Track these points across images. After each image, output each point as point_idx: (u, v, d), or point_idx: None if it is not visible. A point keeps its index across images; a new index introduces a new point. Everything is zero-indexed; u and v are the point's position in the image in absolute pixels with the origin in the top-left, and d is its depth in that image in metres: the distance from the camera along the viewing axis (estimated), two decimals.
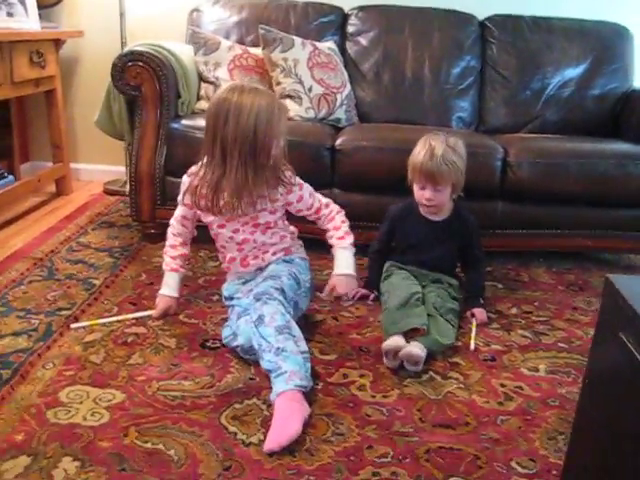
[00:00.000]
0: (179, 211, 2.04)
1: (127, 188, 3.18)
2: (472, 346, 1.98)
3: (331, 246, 2.05)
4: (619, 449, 0.97)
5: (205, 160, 1.87)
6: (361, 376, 1.78)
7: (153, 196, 2.61)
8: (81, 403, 1.59)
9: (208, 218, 1.97)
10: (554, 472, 1.43)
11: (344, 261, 2.01)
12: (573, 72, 3.10)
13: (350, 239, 2.03)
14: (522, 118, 3.06)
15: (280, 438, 1.46)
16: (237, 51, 2.87)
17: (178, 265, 2.06)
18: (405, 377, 1.79)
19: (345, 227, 2.04)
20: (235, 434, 1.51)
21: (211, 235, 2.04)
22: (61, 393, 1.63)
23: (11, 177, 3.01)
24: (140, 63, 2.49)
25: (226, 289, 2.05)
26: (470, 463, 1.45)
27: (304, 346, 1.72)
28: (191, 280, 2.32)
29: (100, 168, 3.61)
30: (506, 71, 3.11)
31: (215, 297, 2.20)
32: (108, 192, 3.37)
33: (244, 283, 2.01)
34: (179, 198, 2.01)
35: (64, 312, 2.05)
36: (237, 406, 1.61)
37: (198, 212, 1.97)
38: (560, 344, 2.03)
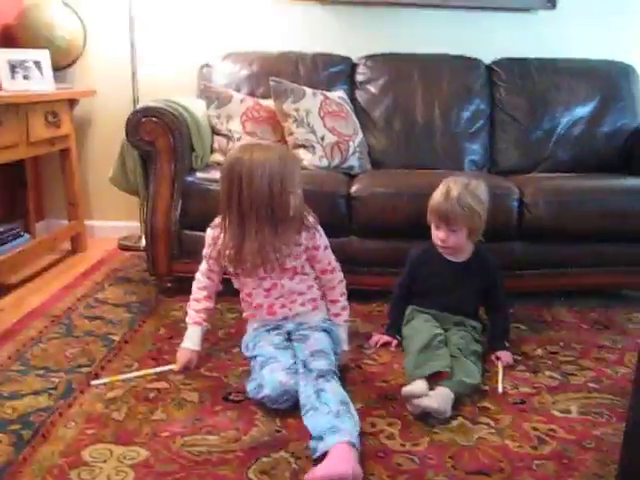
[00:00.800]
0: (205, 265, 2.04)
1: (142, 243, 3.21)
2: (500, 389, 1.93)
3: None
4: None
5: (224, 221, 1.89)
6: (389, 424, 1.74)
7: (169, 250, 2.61)
8: (105, 462, 1.55)
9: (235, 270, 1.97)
10: None
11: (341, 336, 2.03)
12: (582, 111, 3.12)
13: (346, 315, 2.07)
14: (534, 158, 3.07)
15: (329, 470, 1.44)
16: (249, 103, 2.90)
17: (201, 319, 2.05)
18: (434, 424, 1.74)
19: (343, 301, 2.06)
20: None
21: (234, 285, 2.04)
22: (84, 452, 1.59)
23: (27, 236, 3.03)
24: (154, 118, 2.52)
25: (249, 338, 2.02)
26: None
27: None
28: (210, 333, 2.29)
29: (114, 224, 3.62)
30: (516, 113, 3.14)
31: (235, 349, 2.17)
32: (123, 248, 3.37)
33: (268, 331, 1.99)
34: (204, 252, 2.02)
35: (84, 369, 2.02)
36: (264, 459, 1.57)
37: (224, 264, 1.97)
38: (590, 384, 1.99)
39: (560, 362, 2.14)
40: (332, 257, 2.03)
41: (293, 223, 1.88)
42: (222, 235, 1.90)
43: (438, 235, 2.07)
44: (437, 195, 2.05)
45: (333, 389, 1.71)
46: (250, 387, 1.85)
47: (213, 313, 2.16)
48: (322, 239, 1.99)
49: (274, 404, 1.77)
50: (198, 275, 2.07)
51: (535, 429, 1.73)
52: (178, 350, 2.05)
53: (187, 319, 2.07)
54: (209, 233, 1.99)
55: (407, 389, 1.80)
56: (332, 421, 1.57)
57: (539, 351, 2.22)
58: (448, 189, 2.03)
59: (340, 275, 2.06)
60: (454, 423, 1.75)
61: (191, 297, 2.07)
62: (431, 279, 2.17)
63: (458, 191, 2.01)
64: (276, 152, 1.86)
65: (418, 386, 1.81)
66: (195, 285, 2.07)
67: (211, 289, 2.06)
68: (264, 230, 1.82)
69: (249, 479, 1.50)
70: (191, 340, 2.04)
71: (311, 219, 1.95)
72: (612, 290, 2.80)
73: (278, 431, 1.70)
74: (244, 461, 1.56)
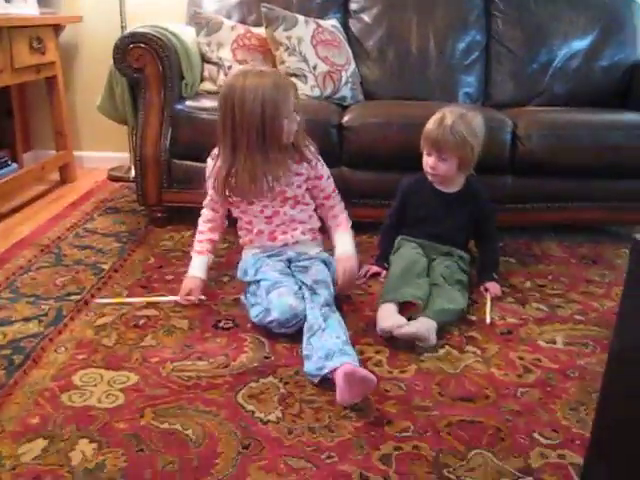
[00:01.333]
0: (208, 196, 2.04)
1: (131, 174, 3.18)
2: (488, 319, 1.95)
3: (328, 230, 2.10)
4: None
5: (219, 148, 1.92)
6: (377, 352, 1.76)
7: (159, 179, 2.58)
8: (95, 386, 1.57)
9: (235, 198, 1.98)
10: (577, 442, 1.41)
11: (348, 243, 2.04)
12: (580, 44, 3.04)
13: (349, 225, 2.09)
14: (529, 91, 3.02)
15: (353, 391, 1.49)
16: (240, 31, 2.83)
17: (205, 249, 2.04)
18: (421, 352, 1.76)
19: (345, 216, 2.09)
20: (253, 412, 1.49)
21: (233, 214, 2.06)
22: (74, 376, 1.61)
23: (14, 165, 2.99)
24: (142, 45, 2.46)
25: (249, 264, 1.98)
26: (492, 435, 1.43)
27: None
28: None
29: (103, 155, 3.58)
30: (512, 44, 3.06)
31: (226, 279, 2.18)
32: (112, 178, 3.34)
33: (269, 257, 1.98)
34: (207, 183, 2.01)
35: (73, 297, 2.03)
36: (253, 385, 1.59)
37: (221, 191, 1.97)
38: (576, 316, 2.01)
39: (548, 295, 2.15)
40: (334, 186, 2.08)
41: (289, 150, 1.91)
42: (219, 161, 1.92)
43: (428, 162, 2.06)
44: (431, 122, 2.03)
45: (339, 319, 1.76)
46: (254, 312, 1.84)
47: (217, 245, 2.14)
48: (324, 168, 2.02)
49: (282, 328, 1.78)
50: (203, 210, 2.07)
51: (521, 358, 1.75)
52: (186, 278, 2.03)
53: (192, 251, 2.07)
54: (209, 163, 1.99)
55: (383, 317, 1.83)
56: (341, 345, 1.61)
57: (527, 284, 2.23)
58: (443, 116, 2.01)
59: (341, 203, 2.11)
60: (441, 352, 1.77)
61: (197, 231, 2.08)
62: (421, 209, 2.16)
63: (452, 119, 1.99)
64: (270, 77, 1.84)
65: (391, 315, 1.83)
66: (200, 220, 2.07)
67: (216, 221, 2.06)
68: (254, 155, 1.83)
69: (238, 403, 1.52)
70: (194, 267, 2.03)
71: (312, 149, 1.97)
72: (602, 226, 2.81)
73: (267, 357, 1.72)
74: (233, 386, 1.58)
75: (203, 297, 1.99)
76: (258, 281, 1.90)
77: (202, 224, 2.06)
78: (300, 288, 1.86)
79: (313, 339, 1.66)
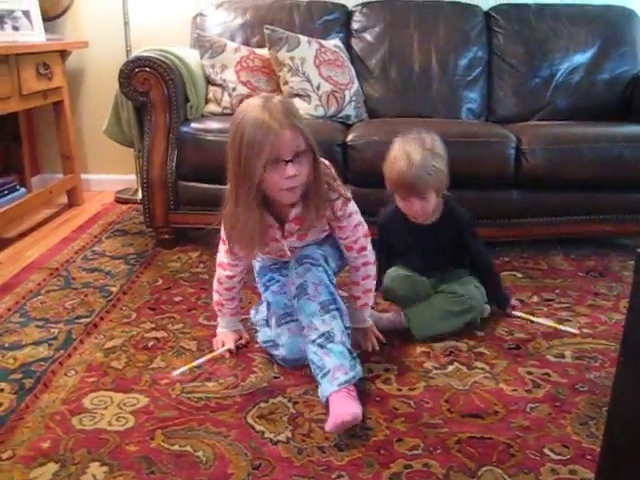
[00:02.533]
0: (223, 247, 1.80)
1: (138, 196, 3.20)
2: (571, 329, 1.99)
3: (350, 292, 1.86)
4: None
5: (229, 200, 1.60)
6: (386, 370, 1.76)
7: (166, 201, 2.60)
8: (105, 409, 1.58)
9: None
10: (588, 457, 1.41)
11: (360, 318, 1.85)
12: (581, 58, 3.07)
13: (368, 300, 1.83)
14: (532, 106, 3.03)
15: (341, 417, 1.44)
16: (243, 53, 2.86)
17: (237, 311, 1.91)
18: (430, 369, 1.77)
19: (367, 285, 1.81)
20: (262, 433, 1.49)
21: None
22: (85, 399, 1.62)
23: (23, 190, 3.02)
24: (147, 69, 2.49)
25: (256, 271, 1.88)
26: (502, 452, 1.43)
27: (347, 321, 1.66)
28: (208, 283, 2.29)
29: (110, 178, 3.61)
30: (514, 60, 3.09)
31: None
32: (119, 201, 3.37)
33: (278, 269, 1.83)
34: (222, 233, 1.73)
35: (83, 320, 2.04)
36: (263, 405, 1.60)
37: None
38: (585, 330, 2.00)
39: (555, 309, 2.15)
40: (361, 235, 1.74)
41: (298, 206, 1.61)
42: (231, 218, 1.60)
43: (408, 207, 1.89)
44: (397, 165, 1.80)
45: (315, 283, 1.61)
46: (262, 337, 1.84)
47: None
48: (348, 208, 1.67)
49: (285, 364, 1.77)
50: (219, 270, 1.82)
51: (529, 373, 1.75)
52: (218, 334, 1.89)
53: (216, 307, 1.88)
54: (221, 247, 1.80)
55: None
56: (318, 355, 1.58)
57: (534, 298, 2.23)
58: (407, 155, 1.79)
59: (366, 257, 1.77)
60: (450, 368, 1.78)
61: (217, 292, 1.85)
62: (403, 244, 2.04)
63: (420, 155, 1.78)
64: (259, 111, 1.46)
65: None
66: (217, 282, 1.84)
67: (237, 280, 1.82)
68: (252, 209, 1.54)
69: (247, 424, 1.52)
70: (228, 322, 1.89)
71: (339, 188, 1.64)
72: (609, 238, 2.81)
73: (276, 377, 1.72)
74: (243, 406, 1.59)
75: (243, 340, 1.90)
76: (268, 303, 1.84)
77: (224, 292, 1.84)
78: None
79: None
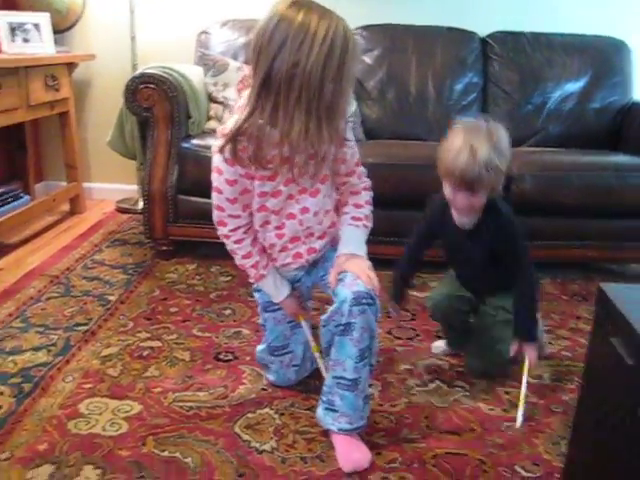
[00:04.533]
0: (219, 205, 1.55)
1: (139, 206, 3.28)
2: (519, 419, 1.69)
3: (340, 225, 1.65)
4: (614, 447, 1.03)
5: (247, 104, 1.39)
6: (369, 386, 1.82)
7: (165, 214, 2.68)
8: (100, 414, 1.65)
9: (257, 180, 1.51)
10: (557, 475, 1.48)
11: (355, 240, 1.60)
12: (574, 86, 3.16)
13: (368, 224, 1.65)
14: (524, 132, 3.12)
15: (352, 463, 1.50)
16: (245, 71, 2.94)
17: (262, 266, 1.63)
18: (412, 386, 1.84)
19: (367, 209, 1.66)
20: (249, 442, 1.57)
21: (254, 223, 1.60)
22: (81, 405, 1.69)
23: (27, 197, 3.09)
24: (152, 85, 2.58)
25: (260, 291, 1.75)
26: (476, 467, 1.51)
27: (375, 359, 1.61)
28: (203, 295, 2.39)
29: (112, 187, 3.69)
30: (508, 86, 3.19)
31: (227, 311, 2.26)
32: (120, 210, 3.45)
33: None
34: (216, 195, 1.53)
35: (81, 327, 2.12)
36: (250, 415, 1.67)
37: (242, 172, 1.48)
38: (564, 352, 2.08)
39: None
40: (358, 157, 1.62)
41: (334, 129, 1.42)
42: (240, 117, 1.40)
43: (458, 199, 1.71)
44: (460, 157, 1.62)
45: (364, 327, 1.47)
46: (259, 355, 1.86)
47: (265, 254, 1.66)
48: (350, 133, 1.58)
49: (274, 385, 1.82)
50: (220, 229, 1.60)
51: (507, 393, 1.83)
52: (282, 306, 1.71)
53: (252, 280, 1.69)
54: (218, 159, 1.48)
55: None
56: (332, 391, 1.55)
57: None
58: (473, 150, 1.61)
59: (368, 181, 1.67)
60: (431, 386, 1.85)
61: (235, 255, 1.64)
62: (445, 242, 1.90)
63: (487, 151, 1.61)
64: (341, 23, 1.34)
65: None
66: (228, 243, 1.62)
67: (243, 227, 1.59)
68: (304, 119, 1.35)
69: (235, 433, 1.60)
70: (276, 288, 1.67)
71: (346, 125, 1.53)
72: (594, 263, 2.89)
73: (264, 389, 1.80)
74: (231, 416, 1.67)
75: (307, 308, 1.80)
76: (265, 327, 1.79)
77: (235, 245, 1.61)
78: (304, 349, 1.78)
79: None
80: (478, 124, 1.69)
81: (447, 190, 1.72)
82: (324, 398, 1.58)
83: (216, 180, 1.51)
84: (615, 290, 1.04)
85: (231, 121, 1.45)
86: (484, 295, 1.92)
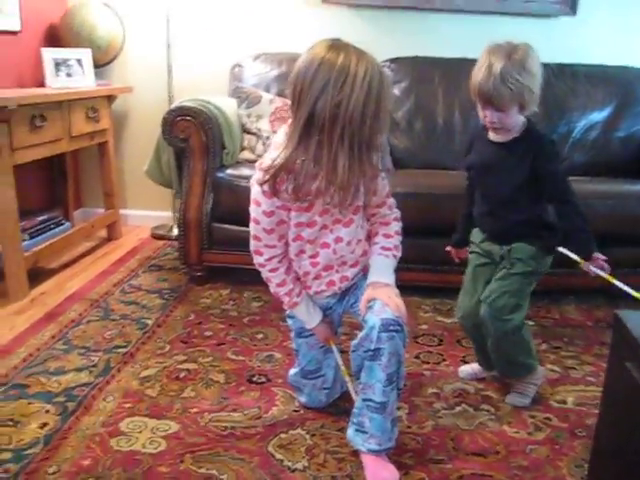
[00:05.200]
0: (257, 234, 1.62)
1: (174, 233, 3.40)
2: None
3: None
4: (633, 470, 1.08)
5: (289, 142, 1.47)
6: (398, 408, 1.88)
7: (200, 241, 2.78)
8: (140, 432, 1.74)
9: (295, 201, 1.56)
10: None
11: (384, 269, 1.67)
12: (598, 116, 3.22)
13: (397, 254, 1.71)
14: None
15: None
16: (277, 103, 3.06)
17: (296, 293, 1.70)
18: (439, 409, 1.90)
19: (396, 240, 1.71)
20: (282, 461, 1.64)
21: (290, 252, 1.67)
22: (122, 423, 1.78)
23: (68, 224, 3.22)
24: (188, 117, 2.69)
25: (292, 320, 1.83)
26: None
27: (402, 383, 1.66)
28: (236, 319, 2.48)
29: (147, 214, 3.81)
30: (533, 116, 3.20)
31: (259, 335, 2.35)
32: (155, 237, 3.57)
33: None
34: (254, 225, 1.61)
35: (121, 349, 2.21)
36: (283, 436, 1.75)
37: (279, 204, 1.56)
38: (588, 378, 2.13)
39: (562, 356, 2.28)
40: (389, 189, 1.70)
41: (371, 162, 1.50)
42: (281, 155, 1.48)
43: (486, 116, 1.76)
44: (479, 74, 1.70)
45: (392, 353, 1.53)
46: (292, 378, 1.92)
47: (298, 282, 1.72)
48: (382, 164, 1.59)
49: (305, 407, 1.90)
50: (256, 258, 1.67)
51: (532, 417, 1.88)
52: (314, 332, 1.78)
53: (286, 307, 1.75)
54: (256, 191, 1.56)
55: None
56: (362, 413, 1.61)
57: (543, 346, 2.35)
58: (489, 63, 1.67)
59: (398, 212, 1.74)
60: (457, 409, 1.91)
61: (270, 283, 1.70)
62: (481, 163, 1.90)
63: (501, 65, 1.65)
64: (374, 62, 1.43)
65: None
66: (264, 273, 1.69)
67: (278, 256, 1.66)
68: (347, 155, 1.43)
69: (268, 452, 1.67)
70: (310, 316, 1.74)
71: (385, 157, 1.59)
72: (619, 290, 2.91)
73: (296, 411, 1.87)
74: (264, 436, 1.74)
75: (338, 334, 1.87)
76: (298, 352, 1.86)
77: (270, 273, 1.67)
78: (335, 372, 1.84)
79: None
80: (503, 44, 1.72)
81: (479, 110, 1.78)
82: (354, 420, 1.64)
83: (254, 211, 1.59)
84: (631, 316, 1.10)
85: (269, 156, 1.53)
86: (504, 239, 1.88)
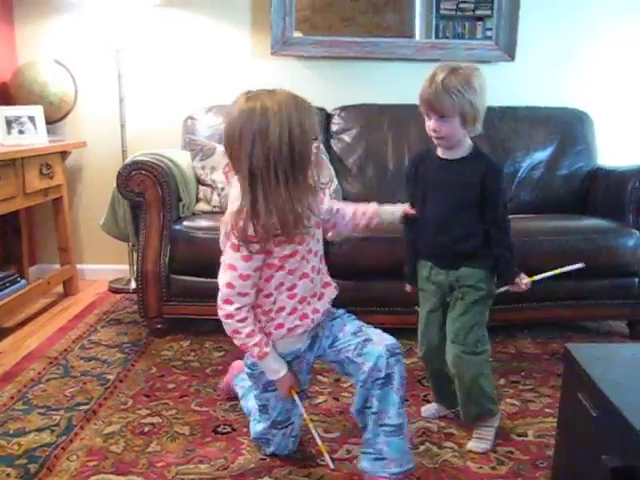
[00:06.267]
0: (238, 271, 1.61)
1: (131, 286, 3.40)
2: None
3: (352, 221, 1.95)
4: None
5: (242, 200, 1.55)
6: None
7: (159, 293, 2.79)
8: None
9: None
10: None
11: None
12: (541, 155, 3.37)
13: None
14: None
15: None
16: None
17: (265, 345, 1.69)
18: None
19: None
20: None
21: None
22: None
23: (23, 281, 3.19)
24: (143, 171, 2.72)
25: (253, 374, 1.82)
26: None
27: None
28: (199, 370, 2.48)
29: (103, 267, 3.79)
30: None
31: (223, 385, 2.34)
32: (113, 290, 3.55)
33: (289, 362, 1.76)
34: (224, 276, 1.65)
35: (82, 407, 2.19)
36: None
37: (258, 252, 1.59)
38: (546, 409, 2.19)
39: (520, 390, 2.34)
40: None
41: (309, 187, 1.60)
42: (248, 223, 1.54)
43: (429, 125, 1.86)
44: (424, 83, 1.83)
45: (402, 376, 1.67)
46: (258, 434, 1.90)
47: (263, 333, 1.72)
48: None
49: (273, 454, 1.90)
50: (225, 308, 1.65)
51: (494, 452, 1.92)
52: (278, 383, 1.76)
53: (256, 356, 1.70)
54: (233, 255, 1.61)
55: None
56: (380, 441, 1.67)
57: (502, 381, 2.41)
58: (433, 74, 1.80)
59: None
60: (421, 448, 1.94)
61: (239, 335, 1.68)
62: (425, 184, 1.96)
63: (444, 75, 1.77)
64: (284, 91, 1.55)
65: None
66: (232, 325, 1.67)
67: (250, 315, 1.68)
68: (279, 191, 1.51)
69: None
70: (278, 365, 1.73)
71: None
72: (571, 321, 3.02)
73: (263, 459, 1.88)
74: None
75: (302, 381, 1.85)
76: (265, 406, 1.84)
77: (239, 324, 1.66)
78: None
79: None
80: (451, 62, 1.84)
81: (426, 122, 1.87)
82: (369, 450, 1.69)
83: (231, 258, 1.62)
84: (579, 350, 1.16)
85: (229, 210, 1.61)
86: (450, 262, 1.92)
